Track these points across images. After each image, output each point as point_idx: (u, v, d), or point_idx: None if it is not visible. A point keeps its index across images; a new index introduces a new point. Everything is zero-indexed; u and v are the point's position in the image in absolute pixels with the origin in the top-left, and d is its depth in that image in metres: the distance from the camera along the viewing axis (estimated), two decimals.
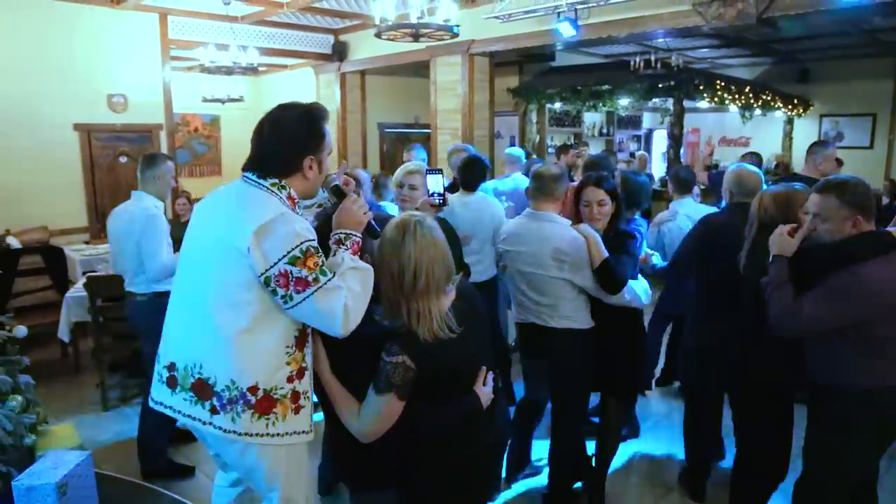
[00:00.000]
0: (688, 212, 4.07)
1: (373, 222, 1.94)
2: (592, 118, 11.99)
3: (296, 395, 1.86)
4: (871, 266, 2.14)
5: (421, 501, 1.97)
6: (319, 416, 2.04)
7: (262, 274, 1.73)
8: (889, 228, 2.33)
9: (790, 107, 10.83)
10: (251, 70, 7.50)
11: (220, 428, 1.80)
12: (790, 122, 11.61)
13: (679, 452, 3.62)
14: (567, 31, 5.84)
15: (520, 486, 3.44)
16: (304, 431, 1.89)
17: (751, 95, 9.46)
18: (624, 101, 9.23)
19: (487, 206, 3.98)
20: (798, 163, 10.05)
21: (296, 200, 1.89)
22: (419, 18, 4.57)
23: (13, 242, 5.77)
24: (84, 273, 5.41)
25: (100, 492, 1.98)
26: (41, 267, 5.51)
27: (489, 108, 8.08)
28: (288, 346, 1.83)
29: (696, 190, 4.76)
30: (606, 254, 2.78)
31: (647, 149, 13.09)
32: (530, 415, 3.37)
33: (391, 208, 3.75)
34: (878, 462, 2.44)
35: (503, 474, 3.24)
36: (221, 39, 7.72)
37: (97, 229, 7.22)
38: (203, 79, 9.34)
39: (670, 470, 3.62)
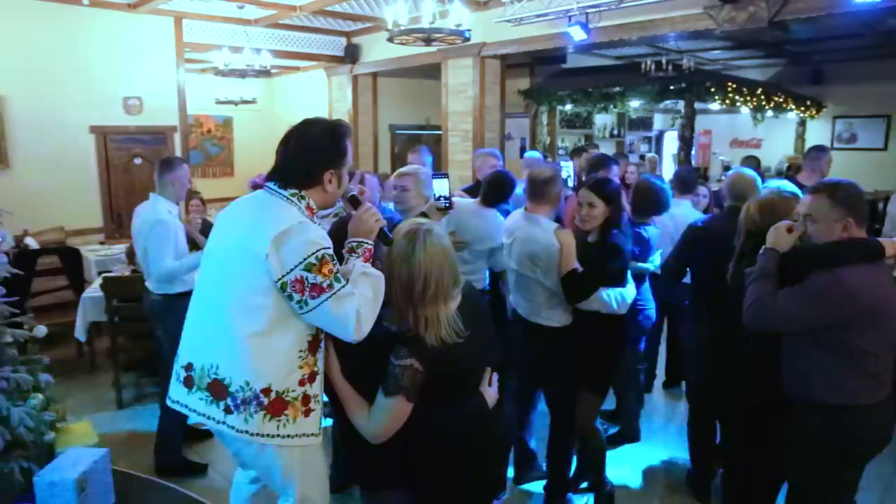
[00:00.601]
0: (676, 212, 4.02)
1: (386, 229, 1.99)
2: (603, 120, 11.97)
3: (306, 399, 1.91)
4: (853, 270, 2.12)
5: (429, 500, 2.01)
6: (327, 420, 2.09)
7: (278, 279, 1.79)
8: (881, 239, 2.30)
9: (803, 108, 10.77)
10: (264, 72, 7.57)
11: (233, 428, 1.86)
12: (803, 123, 11.54)
13: (684, 454, 3.64)
14: (578, 34, 5.86)
15: (532, 486, 3.47)
16: (313, 434, 1.95)
17: (763, 97, 9.41)
18: (635, 103, 9.22)
19: (496, 227, 3.80)
20: None
21: (314, 211, 1.96)
22: (431, 23, 4.60)
23: (31, 243, 5.86)
24: (99, 273, 5.50)
25: (115, 487, 2.04)
26: (58, 267, 5.60)
27: (500, 110, 8.10)
28: (301, 351, 1.89)
29: (703, 191, 4.69)
30: (576, 264, 2.80)
31: (658, 151, 13.05)
32: (524, 409, 3.43)
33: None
34: (856, 474, 2.38)
35: (511, 474, 3.30)
36: (235, 42, 7.81)
37: (112, 230, 7.33)
38: (216, 80, 9.42)
39: (676, 471, 3.64)
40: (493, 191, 3.83)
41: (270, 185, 1.94)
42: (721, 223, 3.20)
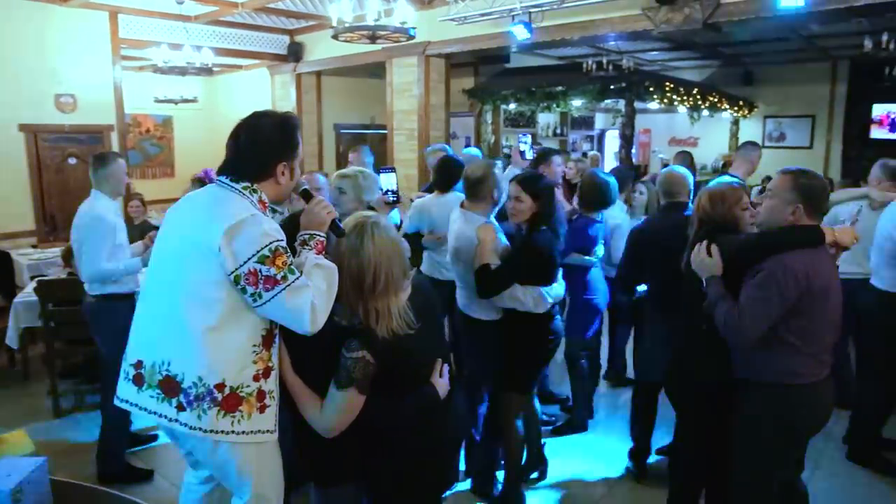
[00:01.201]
0: (613, 214, 4.13)
1: (338, 221, 1.99)
2: (546, 119, 12.18)
3: (261, 394, 1.89)
4: (794, 254, 2.23)
5: (383, 493, 2.02)
6: None
7: (231, 272, 1.78)
8: (835, 227, 2.40)
9: (736, 108, 11.21)
10: (205, 70, 7.39)
11: (185, 425, 1.82)
12: (736, 122, 12.02)
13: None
14: (521, 33, 5.95)
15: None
16: (268, 430, 1.92)
17: (698, 97, 9.75)
18: (577, 102, 9.41)
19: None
20: None
21: (266, 205, 1.94)
22: (376, 20, 4.61)
23: None
24: (32, 278, 5.26)
25: (55, 498, 1.96)
26: None
27: (445, 109, 8.15)
28: (255, 345, 1.87)
29: (641, 188, 4.74)
30: (492, 260, 2.83)
31: (600, 149, 13.35)
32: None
33: None
34: (800, 451, 2.50)
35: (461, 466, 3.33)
36: (174, 39, 7.59)
37: (45, 232, 7.02)
38: (155, 79, 9.16)
39: (624, 459, 3.74)
40: (443, 176, 3.97)
41: (222, 178, 1.92)
42: (658, 222, 3.35)
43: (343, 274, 1.87)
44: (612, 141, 12.96)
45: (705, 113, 10.49)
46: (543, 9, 5.84)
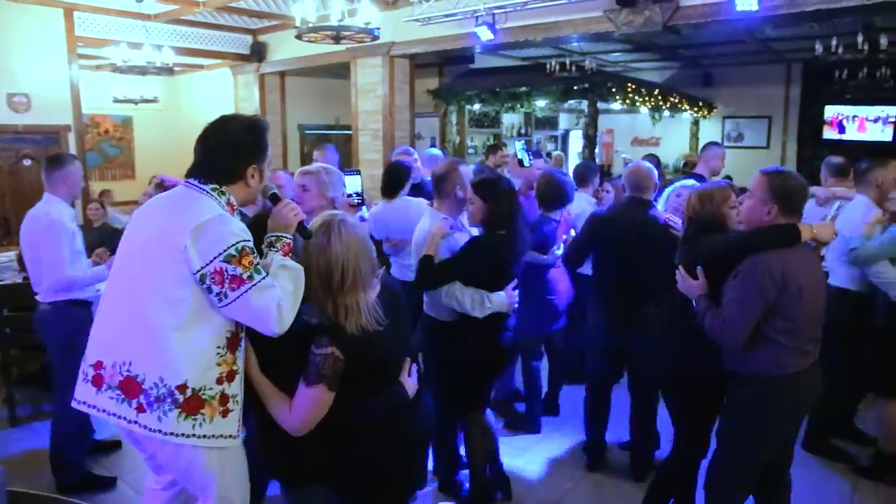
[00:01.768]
0: (576, 205, 4.25)
1: (305, 223, 1.99)
2: (511, 119, 12.27)
3: (224, 398, 1.87)
4: (770, 254, 2.30)
5: (352, 493, 2.02)
6: None
7: (197, 271, 1.77)
8: (813, 225, 2.44)
9: (696, 109, 11.44)
10: (166, 70, 7.26)
11: (145, 427, 1.80)
12: (696, 123, 12.27)
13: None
14: (485, 34, 6.00)
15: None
16: (230, 436, 1.90)
17: (660, 98, 9.92)
18: (541, 103, 9.51)
19: (408, 209, 3.94)
20: None
21: (235, 207, 1.94)
22: (340, 20, 4.59)
23: None
24: None
25: None
26: None
27: (410, 110, 8.15)
28: (219, 347, 1.86)
29: (608, 187, 4.89)
30: (432, 252, 2.86)
31: (564, 149, 13.50)
32: None
33: None
34: (777, 444, 2.52)
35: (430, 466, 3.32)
36: (134, 38, 7.45)
37: None
38: (114, 79, 8.95)
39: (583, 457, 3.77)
40: (388, 182, 3.98)
41: (191, 180, 1.92)
42: (624, 211, 3.42)
43: (311, 272, 1.87)
44: (576, 141, 13.11)
45: (666, 113, 10.69)
46: (507, 10, 5.89)
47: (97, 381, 1.87)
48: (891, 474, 3.46)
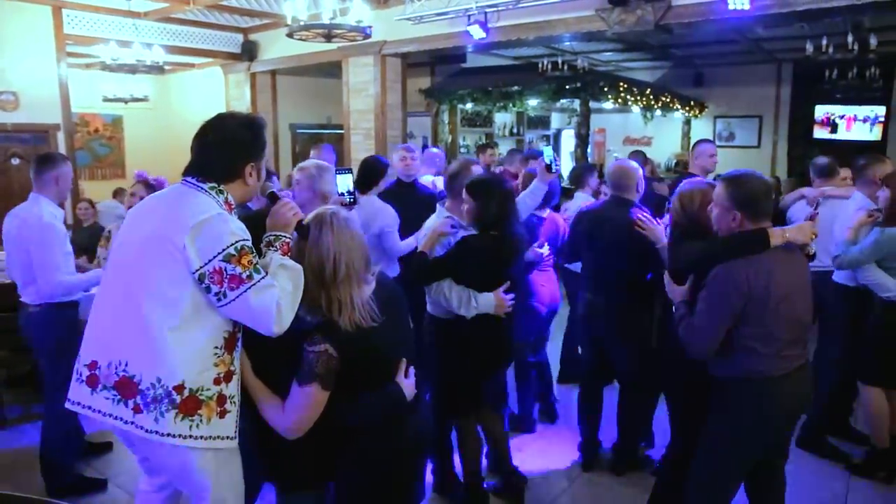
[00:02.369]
0: (574, 204, 4.37)
1: (304, 222, 1.97)
2: (503, 118, 12.27)
3: (222, 399, 1.85)
4: (734, 262, 2.25)
5: (349, 498, 1.99)
6: None
7: (196, 270, 1.75)
8: (786, 228, 2.40)
9: (687, 108, 11.49)
10: (156, 69, 7.22)
11: (142, 428, 1.77)
12: (688, 122, 12.32)
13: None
14: (477, 33, 5.99)
15: None
16: (228, 437, 1.88)
17: (651, 97, 9.96)
18: (533, 102, 9.52)
19: (375, 212, 3.85)
20: None
21: (232, 206, 1.92)
22: (331, 19, 4.57)
23: None
24: None
25: None
26: None
27: (402, 109, 8.14)
28: (217, 348, 1.84)
29: (605, 189, 4.89)
30: (426, 249, 2.90)
31: (556, 148, 13.52)
32: None
33: None
34: (758, 452, 2.47)
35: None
36: (123, 36, 7.39)
37: None
38: (104, 77, 8.89)
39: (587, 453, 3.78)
40: (361, 175, 3.91)
41: (188, 178, 1.90)
42: (607, 209, 3.46)
43: (305, 267, 1.86)
44: (569, 140, 13.12)
45: (658, 113, 10.73)
46: (499, 9, 5.89)
47: (92, 382, 1.84)
48: (883, 471, 3.47)
